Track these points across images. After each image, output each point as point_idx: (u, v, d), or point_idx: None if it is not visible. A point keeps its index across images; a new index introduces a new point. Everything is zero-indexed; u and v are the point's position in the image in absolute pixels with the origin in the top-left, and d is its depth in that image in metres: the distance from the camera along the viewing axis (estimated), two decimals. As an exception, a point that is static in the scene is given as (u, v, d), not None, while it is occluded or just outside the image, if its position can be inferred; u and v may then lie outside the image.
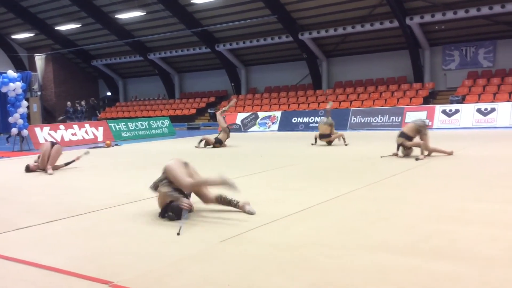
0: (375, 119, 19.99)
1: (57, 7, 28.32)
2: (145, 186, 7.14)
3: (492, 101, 19.60)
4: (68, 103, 26.98)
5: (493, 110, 18.12)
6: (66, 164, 9.43)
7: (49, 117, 31.92)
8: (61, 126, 17.91)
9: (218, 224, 4.58)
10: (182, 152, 12.73)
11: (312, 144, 12.87)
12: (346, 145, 12.36)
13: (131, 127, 20.18)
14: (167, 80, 32.52)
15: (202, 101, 29.87)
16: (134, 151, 13.90)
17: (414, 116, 19.25)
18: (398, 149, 9.36)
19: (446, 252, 3.55)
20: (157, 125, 21.42)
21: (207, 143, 13.53)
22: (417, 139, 9.24)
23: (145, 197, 6.17)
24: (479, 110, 18.38)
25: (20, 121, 14.90)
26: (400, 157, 9.27)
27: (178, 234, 4.26)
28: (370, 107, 22.11)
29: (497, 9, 19.36)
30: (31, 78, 19.93)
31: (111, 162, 10.95)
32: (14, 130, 14.96)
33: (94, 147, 15.62)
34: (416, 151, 9.19)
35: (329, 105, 13.74)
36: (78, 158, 9.60)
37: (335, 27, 23.47)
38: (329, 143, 12.77)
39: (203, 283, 3.11)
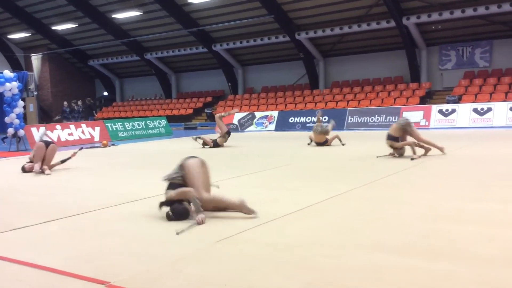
0: (372, 119, 20.02)
1: (53, 7, 28.25)
2: (142, 186, 7.16)
3: (489, 101, 19.65)
4: (65, 103, 26.91)
5: (489, 109, 18.17)
6: (62, 161, 9.40)
7: (46, 117, 31.83)
8: (58, 126, 17.88)
9: (214, 224, 4.57)
10: (180, 152, 12.71)
11: (308, 144, 12.86)
12: (343, 144, 12.35)
13: (128, 127, 20.14)
14: (164, 80, 32.49)
15: (199, 101, 29.86)
16: (131, 151, 13.88)
17: (410, 115, 19.32)
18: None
19: (443, 251, 3.55)
20: (154, 125, 21.40)
21: (204, 143, 13.53)
22: (409, 139, 9.26)
23: (142, 197, 6.17)
24: (475, 110, 18.43)
25: (17, 121, 14.86)
26: (396, 157, 9.28)
27: (177, 234, 4.26)
28: (367, 107, 22.14)
29: (493, 9, 19.41)
30: (28, 78, 19.84)
31: (108, 162, 10.93)
32: (11, 130, 14.92)
33: (90, 147, 15.59)
34: (414, 151, 9.19)
35: (318, 113, 13.50)
36: (74, 155, 9.56)
37: (331, 27, 23.49)
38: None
39: (200, 283, 3.11)
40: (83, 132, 18.20)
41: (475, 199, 5.36)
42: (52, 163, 9.29)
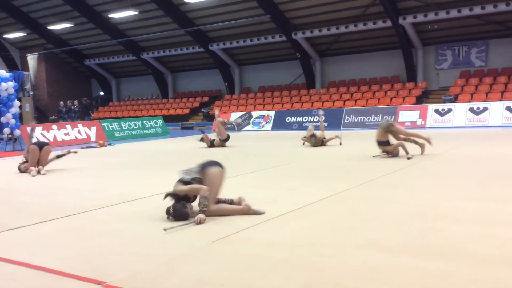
0: (368, 119, 20.05)
1: (49, 6, 28.15)
2: (138, 186, 7.15)
3: (485, 101, 19.70)
4: (61, 102, 26.86)
5: (485, 109, 18.23)
6: (58, 156, 9.41)
7: (42, 117, 31.75)
8: (54, 126, 17.83)
9: (210, 224, 4.57)
10: (177, 152, 12.72)
11: (304, 143, 12.78)
12: (340, 144, 12.33)
13: (124, 127, 20.12)
14: (160, 80, 32.44)
15: (196, 101, 29.82)
16: (128, 151, 13.86)
17: (407, 115, 19.36)
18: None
19: (438, 250, 3.56)
20: (151, 124, 21.38)
21: (202, 140, 13.56)
22: (393, 140, 9.30)
23: (139, 197, 6.16)
24: (471, 109, 18.48)
25: (13, 121, 14.82)
26: (391, 156, 9.30)
27: (165, 230, 4.30)
28: (364, 106, 22.17)
29: (489, 9, 19.46)
30: (24, 77, 19.84)
31: (104, 162, 10.91)
32: (6, 130, 14.88)
33: (87, 147, 15.57)
34: (406, 151, 9.21)
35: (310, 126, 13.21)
36: (69, 152, 9.54)
37: (328, 27, 23.50)
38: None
39: (197, 283, 3.11)
40: (79, 132, 18.17)
41: (472, 198, 5.37)
42: (48, 158, 9.29)
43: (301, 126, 20.58)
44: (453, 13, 20.27)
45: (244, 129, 22.21)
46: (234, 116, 22.91)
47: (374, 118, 19.85)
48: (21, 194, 6.84)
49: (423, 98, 22.64)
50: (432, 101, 21.89)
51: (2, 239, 4.38)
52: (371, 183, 6.58)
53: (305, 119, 21.02)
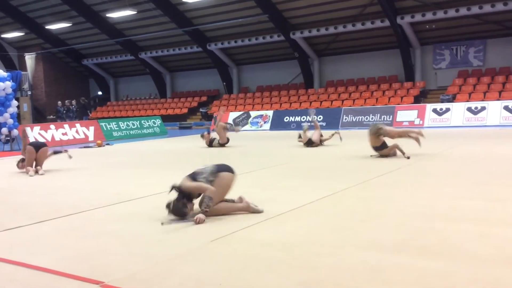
0: (366, 118, 20.06)
1: (47, 6, 28.11)
2: (137, 186, 7.15)
3: (482, 100, 19.73)
4: (59, 102, 26.82)
5: (483, 108, 18.26)
6: (55, 152, 9.43)
7: (40, 116, 31.70)
8: (52, 126, 17.82)
9: (208, 224, 4.57)
10: (175, 151, 12.72)
11: (300, 142, 12.65)
12: (341, 139, 12.26)
13: (123, 126, 20.10)
14: (158, 79, 32.41)
15: (194, 101, 29.80)
16: (126, 150, 13.85)
17: (405, 115, 19.37)
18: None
19: (436, 250, 3.57)
20: (149, 124, 21.36)
21: (202, 136, 13.55)
22: (394, 140, 9.30)
23: (137, 197, 6.16)
24: (469, 109, 18.51)
25: (10, 121, 14.80)
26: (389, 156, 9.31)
27: (162, 224, 4.46)
28: (362, 106, 22.18)
29: (487, 8, 19.49)
30: (21, 77, 19.77)
31: (103, 162, 10.90)
32: (4, 130, 14.86)
33: (85, 147, 15.55)
34: (402, 151, 9.21)
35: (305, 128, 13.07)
36: (66, 151, 9.53)
37: (326, 26, 23.50)
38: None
39: (194, 283, 3.11)
40: (77, 131, 18.15)
41: (470, 197, 5.38)
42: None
43: (299, 126, 20.57)
44: (451, 12, 20.30)
45: (243, 128, 22.19)
46: (233, 116, 22.93)
47: (372, 118, 19.87)
48: (19, 194, 6.83)
49: (421, 97, 22.66)
50: (430, 100, 21.91)
51: (0, 239, 4.37)
52: (369, 182, 6.58)
53: (303, 118, 21.02)
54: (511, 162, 8.10)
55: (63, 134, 17.60)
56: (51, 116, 27.13)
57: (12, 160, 11.08)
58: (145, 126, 21.11)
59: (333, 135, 12.48)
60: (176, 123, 26.84)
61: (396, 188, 6.13)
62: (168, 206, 4.77)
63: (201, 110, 28.14)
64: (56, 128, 17.65)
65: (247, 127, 22.35)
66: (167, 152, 12.79)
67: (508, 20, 20.70)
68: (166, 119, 25.88)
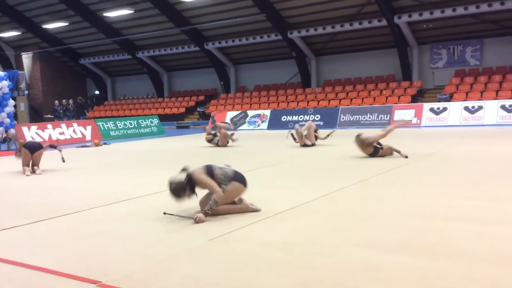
0: (364, 117, 20.08)
1: (44, 5, 28.04)
2: (134, 185, 7.13)
3: (479, 99, 19.77)
4: (56, 102, 26.76)
5: (480, 108, 18.29)
6: (51, 146, 9.46)
7: (37, 116, 31.62)
8: (49, 125, 17.77)
9: (206, 223, 4.57)
10: (172, 151, 12.70)
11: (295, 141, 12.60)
12: (326, 137, 12.26)
13: (120, 126, 20.07)
14: (156, 79, 32.36)
15: (192, 100, 29.78)
16: (123, 150, 13.83)
17: (402, 114, 19.39)
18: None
19: (435, 249, 3.57)
20: (146, 124, 21.34)
21: (205, 129, 13.66)
22: (388, 144, 9.32)
23: (134, 196, 6.15)
24: (466, 108, 18.54)
25: (7, 120, 14.76)
26: (386, 156, 9.32)
27: (164, 214, 4.70)
28: (359, 105, 22.20)
29: (484, 8, 19.52)
30: (18, 77, 19.70)
31: (100, 162, 10.88)
32: (1, 130, 14.81)
33: (82, 146, 15.52)
34: (397, 150, 9.21)
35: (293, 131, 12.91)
36: (60, 150, 9.48)
37: (324, 26, 23.50)
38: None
39: (192, 282, 3.10)
40: (74, 131, 18.11)
41: (467, 197, 5.39)
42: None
43: (296, 125, 20.57)
44: (448, 12, 20.32)
45: (240, 128, 22.20)
46: (230, 115, 22.92)
47: (369, 117, 19.89)
48: (16, 194, 6.81)
49: (418, 97, 22.69)
50: (427, 100, 21.94)
51: (-3, 239, 4.36)
52: (367, 182, 6.59)
53: (301, 118, 21.02)
54: (508, 161, 8.12)
55: (60, 133, 17.56)
56: (49, 115, 27.04)
57: (9, 160, 11.06)
58: (143, 125, 21.08)
59: (328, 135, 12.36)
60: (174, 122, 26.81)
61: (394, 188, 6.13)
62: (170, 183, 4.75)
63: (198, 109, 28.11)
64: (53, 128, 17.61)
65: (244, 126, 22.35)
66: (165, 151, 12.77)
67: (505, 20, 20.74)
68: (164, 119, 25.86)
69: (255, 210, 4.96)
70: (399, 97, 22.30)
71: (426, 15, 20.82)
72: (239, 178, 4.93)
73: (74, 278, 3.24)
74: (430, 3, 20.89)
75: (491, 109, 18.05)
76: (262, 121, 22.17)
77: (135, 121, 21.04)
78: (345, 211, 4.91)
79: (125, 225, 4.70)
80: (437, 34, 22.76)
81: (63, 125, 18.16)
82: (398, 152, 8.97)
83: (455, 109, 18.73)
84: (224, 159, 10.41)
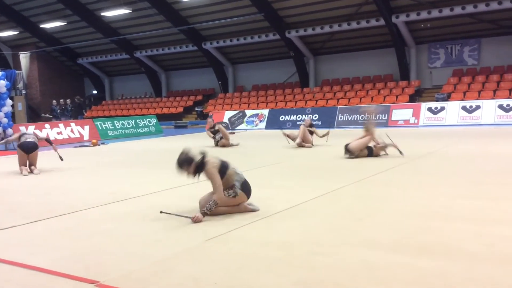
0: (362, 117, 20.07)
1: (41, 5, 27.98)
2: (132, 185, 7.12)
3: (477, 99, 19.80)
4: (54, 101, 26.70)
5: (478, 107, 18.32)
6: (47, 140, 9.50)
7: (34, 115, 31.54)
8: (47, 125, 17.74)
9: (204, 223, 4.56)
10: (170, 150, 12.67)
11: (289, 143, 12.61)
12: (322, 136, 12.24)
13: (118, 125, 20.04)
14: (153, 78, 32.33)
15: (190, 100, 29.76)
16: (121, 150, 13.81)
17: (400, 113, 19.41)
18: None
19: (433, 248, 3.57)
20: (144, 123, 21.31)
21: (208, 124, 13.71)
22: (386, 141, 9.33)
23: (132, 196, 6.14)
24: (464, 108, 18.57)
25: (5, 120, 14.72)
26: (385, 154, 9.33)
27: (161, 212, 4.68)
28: (357, 105, 22.20)
29: (481, 7, 19.55)
30: (16, 76, 19.67)
31: (98, 161, 10.86)
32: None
33: (80, 146, 15.50)
34: (395, 146, 9.24)
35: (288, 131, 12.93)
36: (56, 149, 9.46)
37: (321, 25, 23.51)
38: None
39: (190, 282, 3.09)
40: (72, 131, 18.08)
41: (465, 196, 5.39)
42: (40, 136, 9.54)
43: (295, 125, 20.58)
44: (446, 11, 20.35)
45: (238, 127, 22.19)
46: (228, 115, 22.91)
47: (367, 117, 19.86)
48: (14, 194, 6.79)
49: (416, 96, 22.71)
50: (425, 99, 21.96)
51: (-6, 239, 4.35)
52: (365, 181, 6.59)
53: (299, 117, 21.03)
54: (506, 160, 8.13)
55: (58, 133, 17.53)
56: (47, 115, 26.98)
57: (7, 160, 11.03)
58: (141, 125, 21.06)
59: (324, 135, 12.34)
60: (172, 122, 26.79)
61: (392, 187, 6.13)
62: (182, 152, 4.79)
63: (196, 109, 28.09)
64: (51, 127, 17.57)
65: (242, 126, 22.34)
66: (163, 151, 12.75)
67: (503, 19, 20.77)
68: (162, 118, 25.83)
69: (254, 210, 4.96)
70: (397, 96, 22.32)
71: (424, 14, 20.84)
72: (246, 189, 4.96)
73: (72, 278, 3.23)
74: (428, 2, 20.91)
75: (489, 108, 18.08)
76: (260, 121, 22.17)
77: (133, 121, 21.01)
78: (344, 210, 4.90)
79: (123, 225, 4.68)
80: (435, 34, 22.79)
81: (61, 125, 18.13)
82: (395, 146, 9.01)
83: (452, 109, 18.76)
84: (223, 158, 10.40)
